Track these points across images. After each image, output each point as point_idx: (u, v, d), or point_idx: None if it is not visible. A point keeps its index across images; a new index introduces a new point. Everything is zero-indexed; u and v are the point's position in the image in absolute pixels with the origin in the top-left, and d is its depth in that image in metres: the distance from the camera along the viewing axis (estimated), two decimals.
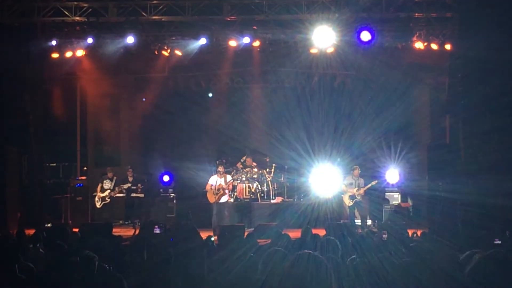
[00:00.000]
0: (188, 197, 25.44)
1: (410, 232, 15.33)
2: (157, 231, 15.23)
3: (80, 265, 7.71)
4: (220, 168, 23.39)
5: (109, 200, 24.14)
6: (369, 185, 23.09)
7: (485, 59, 17.62)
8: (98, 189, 24.29)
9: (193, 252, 8.91)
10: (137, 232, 20.49)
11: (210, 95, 28.51)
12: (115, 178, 24.59)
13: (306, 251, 4.48)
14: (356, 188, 22.92)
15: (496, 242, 12.38)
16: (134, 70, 26.54)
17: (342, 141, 26.23)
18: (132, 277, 7.39)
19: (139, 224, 22.24)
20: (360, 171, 23.15)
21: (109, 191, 24.13)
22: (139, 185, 24.97)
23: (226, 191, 23.21)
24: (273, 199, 25.25)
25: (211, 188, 23.06)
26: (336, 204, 24.26)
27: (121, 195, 25.04)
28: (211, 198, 23.00)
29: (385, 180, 24.10)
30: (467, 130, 19.85)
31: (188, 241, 10.38)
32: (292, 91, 27.29)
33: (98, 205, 24.11)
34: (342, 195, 23.43)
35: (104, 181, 24.38)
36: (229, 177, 23.43)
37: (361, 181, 23.09)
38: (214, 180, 23.19)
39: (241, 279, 6.96)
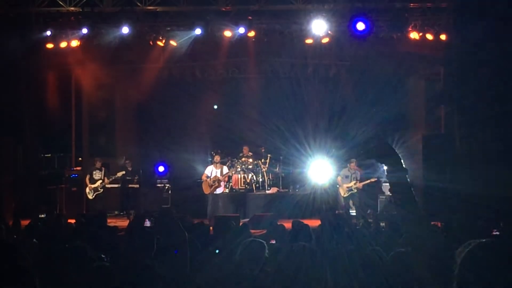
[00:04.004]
0: (183, 187, 25.48)
1: None
2: (148, 224, 15.21)
3: (72, 255, 7.70)
4: (216, 158, 23.36)
5: (101, 190, 24.11)
6: (367, 181, 23.07)
7: (480, 49, 17.64)
8: (87, 180, 24.23)
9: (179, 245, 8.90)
10: None
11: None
12: (103, 168, 24.56)
13: (301, 243, 4.48)
14: (354, 182, 22.90)
15: (494, 233, 12.41)
16: (129, 60, 26.44)
17: (337, 132, 26.22)
18: (125, 267, 7.38)
19: (134, 214, 22.24)
20: (357, 164, 23.14)
21: (100, 181, 24.10)
22: (134, 175, 25.00)
23: (222, 183, 23.19)
24: (268, 189, 25.32)
25: (206, 179, 23.04)
26: (331, 194, 24.29)
27: (115, 185, 25.05)
28: (206, 189, 22.99)
29: (382, 171, 24.06)
30: (462, 120, 19.89)
31: (171, 236, 10.36)
32: (287, 81, 27.23)
33: (90, 196, 24.07)
34: (338, 186, 23.43)
35: (94, 172, 24.33)
36: (225, 169, 23.39)
37: (357, 173, 23.09)
38: (210, 171, 23.17)
39: (236, 270, 6.95)
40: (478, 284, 3.70)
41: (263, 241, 7.05)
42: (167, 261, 8.00)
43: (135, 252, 8.46)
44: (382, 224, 16.08)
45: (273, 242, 10.43)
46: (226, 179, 23.59)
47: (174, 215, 10.57)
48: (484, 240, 3.89)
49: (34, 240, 10.52)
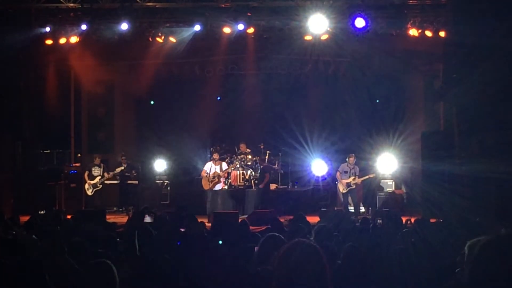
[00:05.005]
0: (182, 184, 25.49)
1: (404, 219, 15.38)
2: (148, 219, 15.22)
3: (70, 251, 7.74)
4: (215, 155, 23.32)
5: (100, 186, 24.09)
6: (366, 177, 23.07)
7: (479, 46, 17.64)
8: (86, 176, 24.21)
9: (191, 240, 8.94)
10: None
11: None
12: (102, 164, 24.55)
13: (301, 239, 4.48)
14: (353, 177, 22.89)
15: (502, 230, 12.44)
16: (128, 56, 26.43)
17: (336, 128, 26.26)
18: (125, 264, 7.41)
19: (133, 211, 22.25)
20: (355, 159, 23.12)
21: (99, 177, 24.10)
22: (133, 171, 24.96)
23: (222, 179, 23.16)
24: None
25: (206, 175, 23.02)
26: (330, 191, 24.32)
27: (114, 181, 25.06)
28: (206, 185, 22.96)
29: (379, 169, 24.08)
30: (461, 116, 19.89)
31: (189, 229, 10.44)
32: (286, 78, 27.25)
33: (89, 192, 24.06)
34: (337, 182, 23.43)
35: (93, 168, 24.32)
36: (224, 165, 23.35)
37: (357, 169, 23.06)
38: (209, 167, 23.15)
39: (235, 266, 6.97)
40: (489, 278, 3.71)
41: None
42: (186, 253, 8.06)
43: (138, 249, 8.48)
44: (379, 221, 16.12)
45: None
46: (226, 175, 23.56)
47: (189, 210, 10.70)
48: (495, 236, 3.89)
49: (34, 236, 10.55)
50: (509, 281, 3.66)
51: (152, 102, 28.56)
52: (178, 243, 8.79)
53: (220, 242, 8.37)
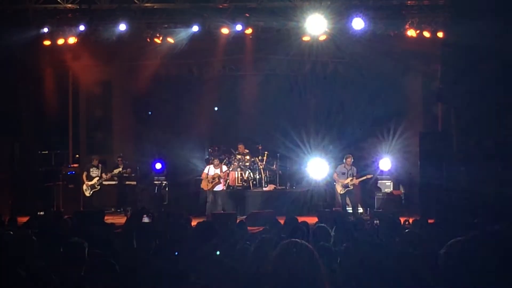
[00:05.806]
0: (180, 184, 25.46)
1: (402, 219, 15.37)
2: (146, 220, 15.21)
3: (69, 252, 7.73)
4: (216, 161, 23.28)
5: (98, 187, 24.05)
6: (363, 178, 22.99)
7: (477, 47, 17.64)
8: (84, 177, 24.16)
9: (184, 241, 8.93)
10: None
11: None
12: (100, 165, 24.51)
13: (293, 239, 4.48)
14: (350, 178, 22.83)
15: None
16: (126, 57, 26.42)
17: (335, 129, 26.23)
18: (123, 264, 7.41)
19: (131, 211, 22.21)
20: (352, 160, 23.07)
21: (97, 178, 24.06)
22: (128, 169, 24.86)
23: (222, 180, 23.12)
24: (265, 186, 25.27)
25: (206, 176, 22.98)
26: (328, 192, 24.28)
27: (112, 182, 25.03)
28: (205, 186, 22.94)
29: (378, 168, 24.06)
30: (459, 117, 19.91)
31: (179, 230, 10.42)
32: (285, 78, 27.19)
33: (87, 193, 24.01)
34: (335, 183, 23.38)
35: (91, 169, 24.25)
36: (224, 167, 23.36)
37: (354, 170, 23.00)
38: (209, 169, 23.09)
39: (232, 268, 6.97)
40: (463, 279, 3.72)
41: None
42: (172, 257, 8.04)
43: (136, 249, 8.48)
44: (377, 221, 16.12)
45: None
46: (226, 177, 23.54)
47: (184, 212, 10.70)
48: (475, 233, 3.91)
49: (34, 237, 10.54)
50: (492, 278, 3.67)
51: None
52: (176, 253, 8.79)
53: (218, 253, 8.35)
